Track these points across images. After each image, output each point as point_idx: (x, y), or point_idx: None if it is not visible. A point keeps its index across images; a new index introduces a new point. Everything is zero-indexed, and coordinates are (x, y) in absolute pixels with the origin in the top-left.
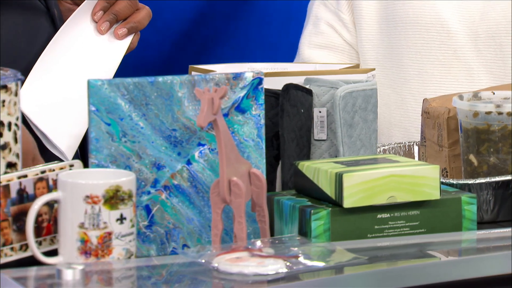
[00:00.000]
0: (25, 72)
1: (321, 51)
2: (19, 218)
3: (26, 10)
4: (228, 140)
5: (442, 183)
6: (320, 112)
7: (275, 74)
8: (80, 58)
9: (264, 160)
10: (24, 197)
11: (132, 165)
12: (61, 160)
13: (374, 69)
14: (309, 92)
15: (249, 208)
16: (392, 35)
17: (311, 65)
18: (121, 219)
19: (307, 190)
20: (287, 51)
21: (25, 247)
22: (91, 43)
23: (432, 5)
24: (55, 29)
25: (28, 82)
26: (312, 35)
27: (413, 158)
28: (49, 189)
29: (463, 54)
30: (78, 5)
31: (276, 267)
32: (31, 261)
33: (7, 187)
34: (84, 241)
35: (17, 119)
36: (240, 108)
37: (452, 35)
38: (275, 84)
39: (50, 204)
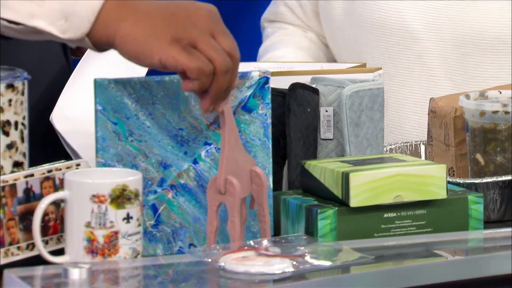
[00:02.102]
0: (38, 101)
1: (276, 24)
2: (26, 217)
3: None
4: (232, 133)
5: (448, 182)
6: (326, 111)
7: (282, 73)
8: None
9: (271, 160)
10: (30, 196)
11: (138, 164)
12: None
13: (380, 68)
14: (315, 91)
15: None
16: (357, 34)
17: (318, 64)
18: (128, 218)
19: (314, 189)
20: None
21: (31, 246)
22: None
23: (397, 9)
24: (67, 59)
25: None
26: (270, 12)
27: (420, 157)
28: (56, 188)
29: (429, 60)
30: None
31: (282, 266)
32: (38, 260)
33: (13, 186)
34: (90, 240)
35: (23, 118)
36: (246, 107)
37: (417, 41)
38: (282, 83)
39: (57, 203)
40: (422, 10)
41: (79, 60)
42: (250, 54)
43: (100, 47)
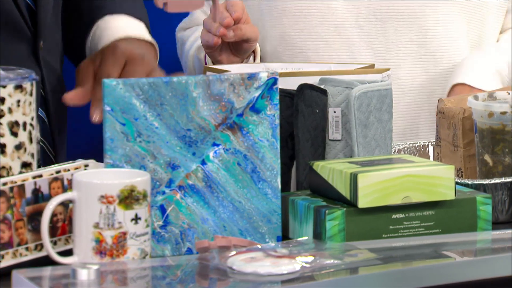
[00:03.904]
0: None
1: (191, 29)
2: (34, 218)
3: (10, 35)
4: None
5: (457, 183)
6: (335, 112)
7: (290, 74)
8: None
9: (279, 160)
10: (39, 197)
11: (147, 165)
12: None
13: (389, 69)
14: (324, 92)
15: (265, 209)
16: (274, 13)
17: (326, 65)
18: (136, 219)
19: (322, 190)
20: None
21: (40, 247)
22: None
23: None
24: (38, 65)
25: None
26: (186, 21)
27: (428, 158)
28: (64, 189)
29: (344, 30)
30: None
31: (290, 267)
32: (46, 261)
33: (22, 187)
34: (99, 241)
35: (32, 119)
36: (255, 108)
37: (333, 12)
38: (290, 84)
39: (65, 204)
40: None
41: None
42: None
43: None
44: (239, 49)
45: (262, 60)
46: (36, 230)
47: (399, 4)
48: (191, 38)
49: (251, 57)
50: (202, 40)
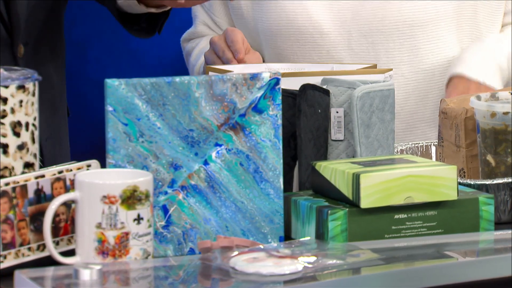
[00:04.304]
0: None
1: (195, 40)
2: (37, 218)
3: None
4: None
5: (459, 183)
6: (337, 112)
7: (292, 74)
8: None
9: (281, 161)
10: (41, 197)
11: (149, 165)
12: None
13: (391, 70)
14: (326, 92)
15: (268, 209)
16: (269, 35)
17: (329, 65)
18: (138, 219)
19: (324, 190)
20: None
21: (42, 247)
22: None
23: (303, 7)
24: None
25: None
26: (190, 33)
27: (431, 158)
28: (67, 189)
29: (337, 53)
30: None
31: (293, 267)
32: (49, 261)
33: (24, 187)
34: (101, 241)
35: (34, 119)
36: (257, 108)
37: (325, 36)
38: (292, 84)
39: (68, 204)
40: (326, 5)
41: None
42: None
43: None
44: None
45: None
46: (38, 230)
47: (388, 26)
48: (195, 50)
49: None
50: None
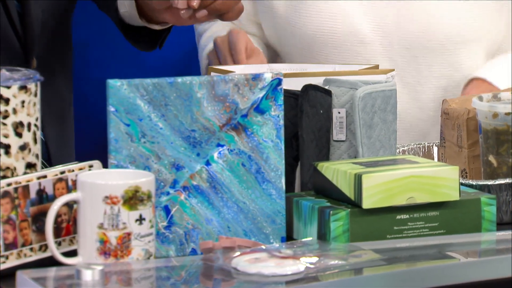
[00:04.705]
0: None
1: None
2: (39, 219)
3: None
4: None
5: (461, 184)
6: (339, 113)
7: (294, 75)
8: None
9: (283, 161)
10: (43, 198)
11: (151, 165)
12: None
13: (393, 70)
14: (328, 92)
15: (270, 210)
16: (303, 41)
17: (331, 65)
18: (140, 219)
19: (326, 191)
20: None
21: (44, 247)
22: None
23: (344, 14)
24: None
25: None
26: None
27: (433, 159)
28: (69, 190)
29: (377, 62)
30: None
31: (295, 268)
32: (51, 262)
33: (26, 188)
34: (103, 241)
35: (36, 119)
36: (259, 109)
37: (366, 45)
38: (294, 84)
39: (70, 205)
40: (369, 15)
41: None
42: None
43: None
44: None
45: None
46: (40, 230)
47: (432, 41)
48: (207, 33)
49: None
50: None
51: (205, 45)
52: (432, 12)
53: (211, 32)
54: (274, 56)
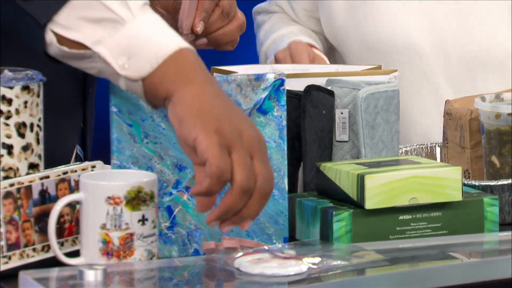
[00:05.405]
0: None
1: (268, 14)
2: (41, 219)
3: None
4: None
5: (464, 184)
6: (342, 113)
7: (297, 75)
8: None
9: (286, 162)
10: (46, 198)
11: (154, 166)
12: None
13: (396, 70)
14: (331, 93)
15: (272, 210)
16: (363, 49)
17: (333, 66)
18: (143, 220)
19: (329, 191)
20: None
21: (47, 248)
22: None
23: (403, 28)
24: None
25: None
26: (261, 8)
27: (435, 159)
28: (71, 190)
29: (433, 75)
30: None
31: (297, 268)
32: (53, 262)
33: (29, 188)
34: (106, 242)
35: (39, 120)
36: (262, 109)
37: (423, 58)
38: (297, 85)
39: (72, 205)
40: (429, 30)
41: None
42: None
43: (150, 96)
44: None
45: None
46: (43, 231)
47: (492, 58)
48: (265, 26)
49: None
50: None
51: (264, 40)
52: (492, 31)
53: (269, 25)
54: (332, 48)
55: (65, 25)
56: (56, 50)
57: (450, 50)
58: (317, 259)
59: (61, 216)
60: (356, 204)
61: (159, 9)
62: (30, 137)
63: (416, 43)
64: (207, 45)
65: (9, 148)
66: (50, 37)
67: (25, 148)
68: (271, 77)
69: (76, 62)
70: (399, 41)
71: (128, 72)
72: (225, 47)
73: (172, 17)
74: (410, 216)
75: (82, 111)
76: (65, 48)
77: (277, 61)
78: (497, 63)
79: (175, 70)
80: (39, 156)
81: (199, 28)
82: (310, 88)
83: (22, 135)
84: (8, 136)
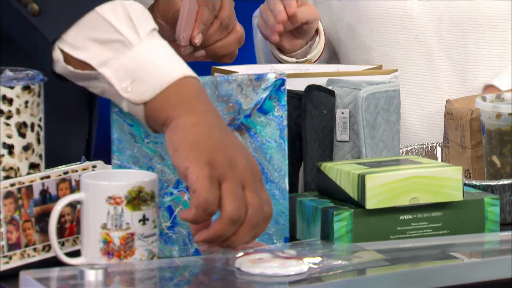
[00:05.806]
0: None
1: None
2: (42, 219)
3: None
4: None
5: (465, 184)
6: (342, 113)
7: (298, 75)
8: None
9: (287, 161)
10: (47, 198)
11: (154, 166)
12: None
13: (397, 70)
14: (331, 93)
15: (273, 210)
16: (356, 18)
17: (334, 66)
18: (144, 220)
19: (330, 191)
20: None
21: (47, 247)
22: None
23: None
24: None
25: None
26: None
27: (436, 159)
28: (72, 190)
29: (425, 39)
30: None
31: (298, 268)
32: (54, 262)
33: (30, 188)
34: (106, 242)
35: (40, 120)
36: (262, 109)
37: (414, 20)
38: (298, 85)
39: (73, 205)
40: None
41: None
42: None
43: (150, 121)
44: (300, 32)
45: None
46: (44, 231)
47: (481, 16)
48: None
49: (316, 38)
50: (261, 32)
51: (257, 33)
52: None
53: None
54: (333, 53)
55: (73, 44)
56: (62, 69)
57: (441, 10)
58: (317, 259)
59: (61, 216)
60: (357, 204)
61: (159, 20)
62: (30, 137)
63: (406, 4)
64: (205, 57)
65: (10, 148)
66: (57, 55)
67: (26, 148)
68: (271, 77)
69: (81, 81)
70: (389, 4)
71: (131, 95)
72: (223, 59)
73: (171, 28)
74: (410, 216)
75: (88, 120)
76: (70, 68)
77: (261, 12)
78: (487, 22)
79: (176, 98)
80: (40, 156)
81: (198, 40)
82: (311, 88)
83: (23, 135)
84: (9, 136)
